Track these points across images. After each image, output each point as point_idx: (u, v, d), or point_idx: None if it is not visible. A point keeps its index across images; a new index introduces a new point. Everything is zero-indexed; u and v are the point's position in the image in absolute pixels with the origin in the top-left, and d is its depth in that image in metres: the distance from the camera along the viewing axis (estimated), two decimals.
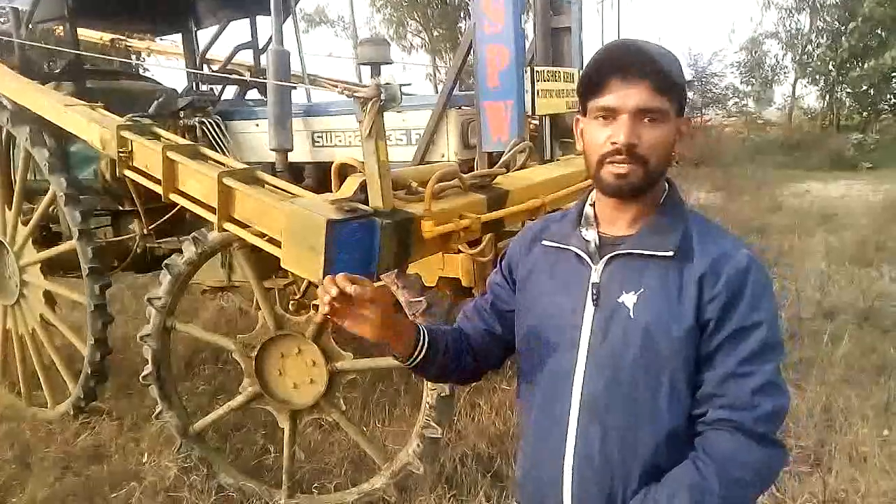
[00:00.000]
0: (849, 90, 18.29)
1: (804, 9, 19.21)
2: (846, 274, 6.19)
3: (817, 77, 19.46)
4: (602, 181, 1.23)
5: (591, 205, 1.34)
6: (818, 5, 18.79)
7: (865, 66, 16.66)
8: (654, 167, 1.20)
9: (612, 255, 1.25)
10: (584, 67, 1.26)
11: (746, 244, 1.28)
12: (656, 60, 1.17)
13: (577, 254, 1.29)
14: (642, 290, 1.21)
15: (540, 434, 1.34)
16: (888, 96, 17.82)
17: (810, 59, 19.11)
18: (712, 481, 1.15)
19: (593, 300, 1.25)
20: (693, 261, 1.21)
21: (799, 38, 19.55)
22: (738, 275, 1.19)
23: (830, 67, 18.53)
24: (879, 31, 17.24)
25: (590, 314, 1.25)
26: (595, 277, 1.26)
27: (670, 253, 1.22)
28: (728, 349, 1.18)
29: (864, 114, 17.96)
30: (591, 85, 1.22)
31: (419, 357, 1.36)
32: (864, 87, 17.17)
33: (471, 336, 1.46)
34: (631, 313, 1.21)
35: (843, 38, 17.56)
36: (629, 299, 1.22)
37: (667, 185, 1.30)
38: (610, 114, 1.19)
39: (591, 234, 1.30)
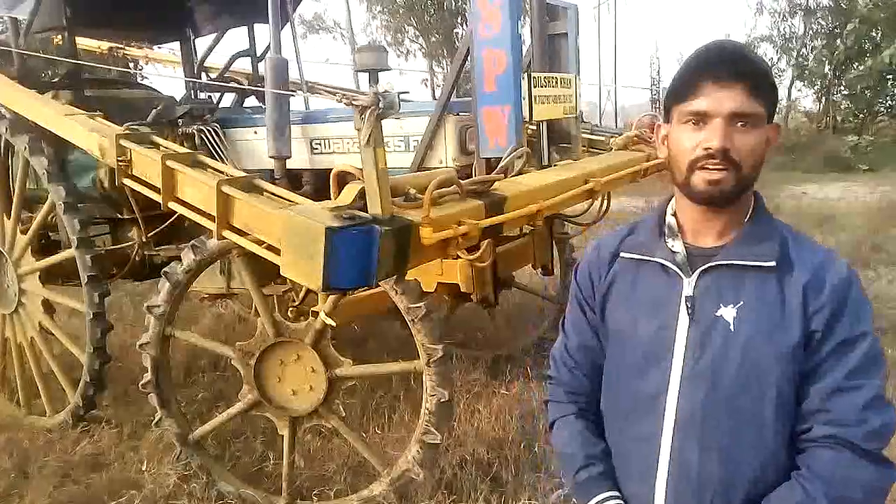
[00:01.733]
0: (845, 92, 18.36)
1: (797, 12, 19.28)
2: None
3: (813, 79, 19.53)
4: (693, 188, 1.18)
5: (672, 214, 1.29)
6: (811, 7, 18.87)
7: (861, 67, 16.71)
8: (747, 174, 1.16)
9: (706, 266, 1.20)
10: (676, 71, 1.22)
11: (839, 254, 1.25)
12: (751, 63, 1.15)
13: (663, 266, 1.24)
14: (741, 302, 1.17)
15: (626, 452, 1.29)
16: (884, 98, 17.88)
17: (805, 62, 19.18)
18: (820, 500, 1.10)
19: (688, 314, 1.20)
20: (793, 271, 1.17)
21: (794, 41, 19.63)
22: (841, 285, 1.16)
23: (826, 70, 18.60)
24: (875, 33, 17.32)
25: (683, 328, 1.20)
26: (688, 290, 1.20)
27: (772, 263, 1.17)
28: (833, 362, 1.14)
29: (861, 116, 18.02)
30: (683, 88, 1.17)
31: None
32: (861, 89, 17.22)
33: (590, 388, 1.39)
34: (731, 327, 1.16)
35: (839, 40, 17.63)
36: (728, 312, 1.17)
37: (752, 196, 1.26)
38: (702, 118, 1.15)
39: (678, 245, 1.25)
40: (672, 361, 1.20)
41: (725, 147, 1.13)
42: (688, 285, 1.21)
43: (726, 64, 1.14)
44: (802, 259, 1.18)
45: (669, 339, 1.21)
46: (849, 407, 1.12)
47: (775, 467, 1.16)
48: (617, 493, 1.29)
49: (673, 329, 1.21)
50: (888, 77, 17.07)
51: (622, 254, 1.32)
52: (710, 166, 1.15)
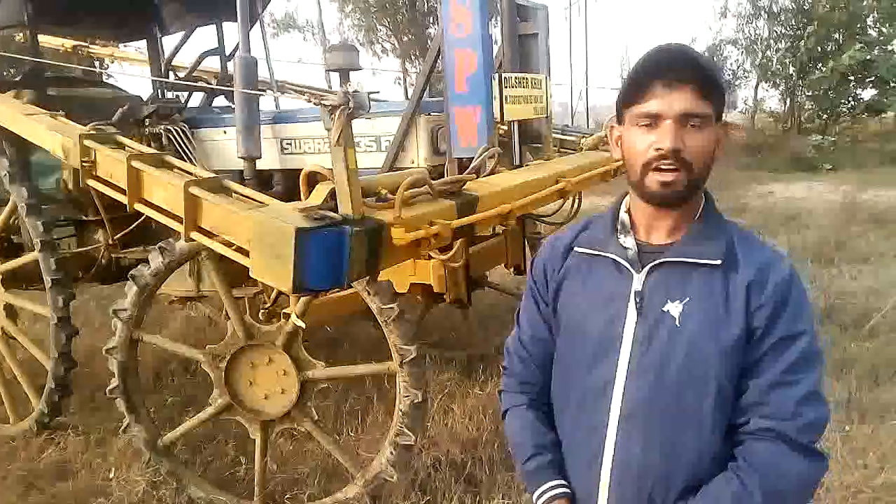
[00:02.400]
0: (809, 93, 18.75)
1: (761, 15, 19.65)
2: (808, 273, 6.35)
3: (777, 81, 19.92)
4: (646, 189, 1.21)
5: (626, 211, 1.31)
6: (774, 11, 19.24)
7: (823, 68, 17.09)
8: (698, 173, 1.19)
9: (655, 262, 1.23)
10: (627, 74, 1.24)
11: (784, 253, 1.28)
12: (700, 64, 1.17)
13: (615, 261, 1.27)
14: (688, 298, 1.20)
15: (574, 442, 1.32)
16: (847, 99, 18.31)
17: (770, 64, 19.55)
18: (755, 492, 1.14)
19: (636, 309, 1.23)
20: (739, 269, 1.20)
21: (759, 43, 19.99)
22: (783, 284, 1.19)
23: (791, 71, 18.98)
24: (836, 35, 17.73)
25: (632, 323, 1.23)
26: (638, 286, 1.23)
27: (718, 261, 1.20)
28: (772, 358, 1.17)
29: (824, 117, 18.43)
30: (634, 91, 1.19)
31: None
32: (824, 90, 17.61)
33: (542, 378, 1.42)
34: (677, 322, 1.20)
35: (802, 42, 18.02)
36: (675, 308, 1.20)
37: (702, 195, 1.29)
38: (653, 120, 1.17)
39: (630, 242, 1.28)
40: (620, 355, 1.23)
41: (677, 147, 1.16)
42: (637, 281, 1.24)
43: (675, 66, 1.16)
44: (748, 258, 1.22)
45: (618, 333, 1.24)
46: (785, 401, 1.16)
47: (713, 458, 1.20)
48: (563, 482, 1.33)
49: (622, 323, 1.24)
50: (850, 78, 17.48)
51: (576, 248, 1.35)
52: (664, 167, 1.17)
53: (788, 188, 12.22)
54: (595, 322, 1.27)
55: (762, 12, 19.44)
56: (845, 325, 4.93)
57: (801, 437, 1.16)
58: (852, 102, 18.32)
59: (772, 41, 19.56)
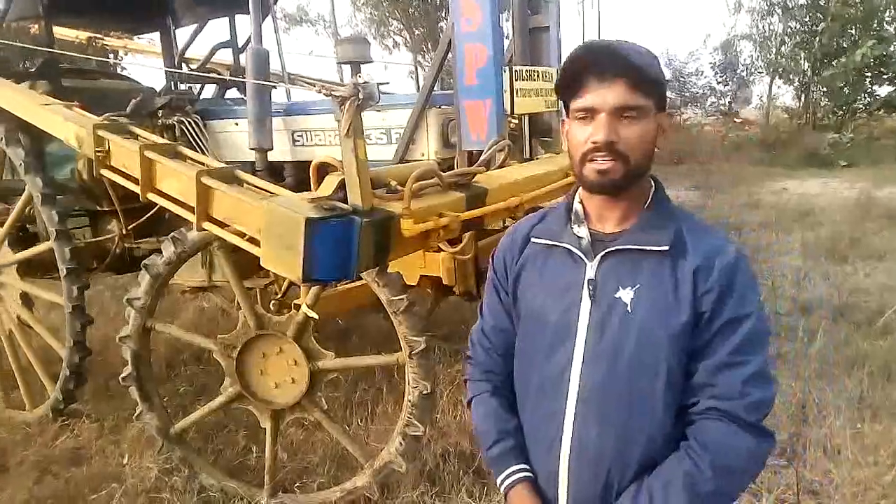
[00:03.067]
0: (824, 89, 18.54)
1: (775, 12, 19.44)
2: (821, 270, 6.30)
3: (792, 77, 19.72)
4: (585, 179, 1.26)
5: (579, 202, 1.35)
6: (788, 6, 19.02)
7: (839, 64, 16.89)
8: (636, 163, 1.23)
9: (606, 251, 1.27)
10: (560, 69, 1.29)
11: (731, 239, 1.32)
12: (631, 58, 1.20)
13: (569, 250, 1.31)
14: (638, 285, 1.24)
15: (535, 427, 1.36)
16: (863, 95, 18.10)
17: (783, 59, 19.35)
18: (705, 469, 1.19)
19: (590, 296, 1.26)
20: (687, 255, 1.25)
21: (773, 39, 19.79)
22: (729, 268, 1.23)
23: (805, 67, 18.79)
24: (851, 30, 17.51)
25: (586, 310, 1.27)
26: (590, 274, 1.27)
27: (665, 248, 1.24)
28: (720, 340, 1.22)
29: (840, 113, 18.22)
30: (569, 86, 1.24)
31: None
32: (839, 86, 17.40)
33: (503, 367, 1.45)
34: (628, 308, 1.24)
35: (816, 38, 17.82)
36: (626, 295, 1.24)
37: (653, 183, 1.33)
38: (589, 113, 1.22)
39: (582, 231, 1.32)
40: (576, 342, 1.27)
41: (610, 140, 1.20)
42: (590, 269, 1.28)
43: (607, 61, 1.20)
44: (695, 244, 1.25)
45: (573, 321, 1.28)
46: (732, 382, 1.20)
47: (666, 439, 1.25)
48: (526, 466, 1.37)
49: (577, 311, 1.28)
50: (866, 74, 17.27)
51: (533, 239, 1.39)
52: (598, 158, 1.22)
53: (802, 184, 12.11)
54: (552, 310, 1.31)
55: (776, 8, 19.22)
56: (858, 322, 4.89)
57: (748, 415, 1.20)
58: (868, 99, 18.10)
59: (786, 37, 19.35)
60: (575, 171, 1.29)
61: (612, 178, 1.22)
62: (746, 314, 1.22)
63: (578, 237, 1.31)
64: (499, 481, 1.39)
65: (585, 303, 1.27)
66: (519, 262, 1.40)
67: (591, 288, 1.26)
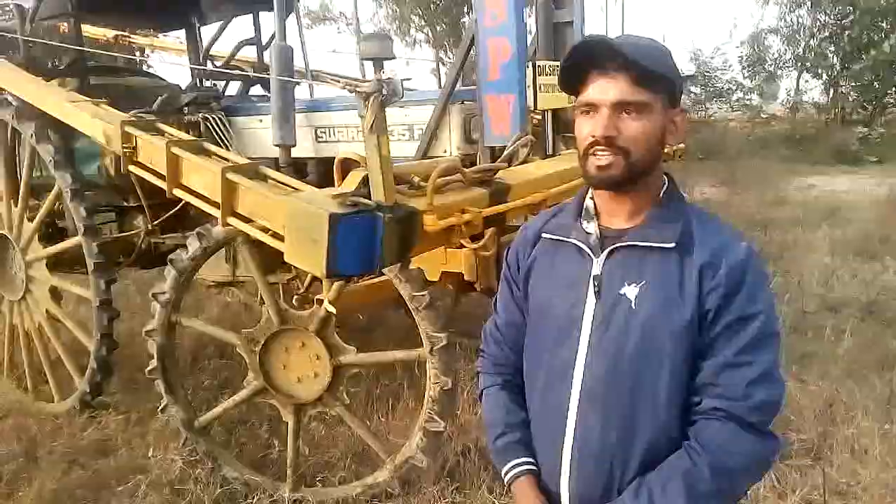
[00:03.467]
0: (853, 83, 18.18)
1: (804, 3, 19.09)
2: (850, 268, 6.19)
3: (820, 71, 19.36)
4: (587, 173, 1.26)
5: (591, 198, 1.35)
6: None
7: (868, 58, 16.54)
8: (637, 159, 1.21)
9: (613, 247, 1.27)
10: (560, 65, 1.29)
11: (744, 237, 1.29)
12: (632, 53, 1.18)
13: (578, 246, 1.31)
14: (644, 281, 1.23)
15: (540, 421, 1.37)
16: (893, 90, 17.71)
17: (812, 53, 19.00)
18: (704, 469, 1.18)
19: (595, 292, 1.26)
20: (693, 252, 1.23)
21: (801, 32, 19.43)
22: (736, 266, 1.20)
23: (833, 61, 18.43)
24: (881, 23, 17.14)
25: (591, 306, 1.27)
26: (597, 270, 1.27)
27: (671, 245, 1.23)
28: (726, 339, 1.20)
29: (869, 108, 17.85)
30: (572, 81, 1.25)
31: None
32: (868, 80, 17.04)
33: (514, 361, 1.46)
34: (633, 304, 1.23)
35: (846, 31, 17.47)
36: (631, 291, 1.24)
37: (665, 179, 1.32)
38: (591, 108, 1.22)
39: (591, 227, 1.32)
40: (580, 337, 1.27)
41: (609, 135, 1.20)
42: (597, 265, 1.28)
43: (609, 55, 1.19)
44: (703, 241, 1.24)
45: (578, 316, 1.28)
46: (736, 382, 1.19)
47: (668, 437, 1.24)
48: (530, 459, 1.38)
49: (582, 306, 1.28)
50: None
51: (544, 234, 1.40)
52: (598, 153, 1.21)
53: (831, 181, 11.91)
54: (559, 305, 1.31)
55: (805, 0, 18.88)
56: (888, 321, 4.79)
57: (750, 416, 1.18)
58: None
59: (815, 30, 18.99)
60: (580, 165, 1.29)
61: (611, 173, 1.22)
62: (754, 313, 1.19)
63: (587, 233, 1.31)
64: (503, 472, 1.40)
65: (591, 298, 1.27)
66: (531, 258, 1.41)
67: (596, 284, 1.26)
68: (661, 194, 1.30)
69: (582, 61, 1.23)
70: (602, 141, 1.20)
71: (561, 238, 1.35)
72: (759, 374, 1.18)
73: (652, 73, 1.19)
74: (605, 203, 1.32)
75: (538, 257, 1.39)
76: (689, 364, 1.22)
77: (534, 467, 1.37)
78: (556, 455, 1.30)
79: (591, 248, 1.29)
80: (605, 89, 1.19)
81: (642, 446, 1.24)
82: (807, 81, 20.32)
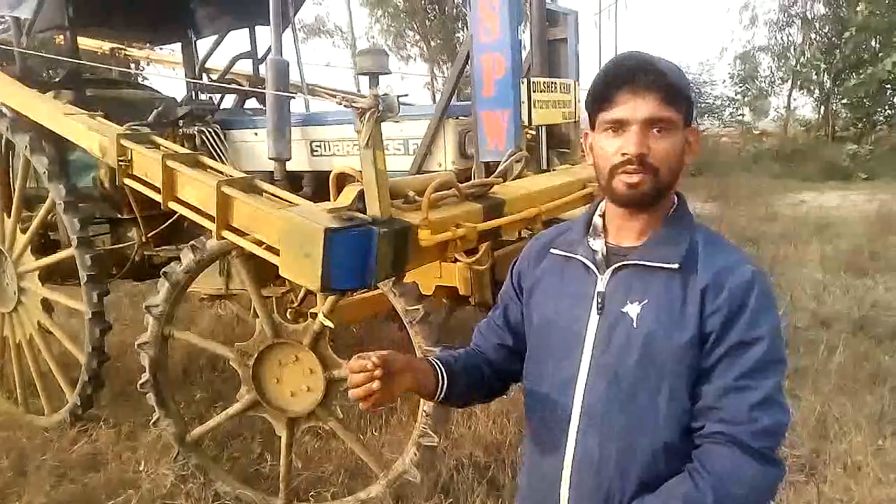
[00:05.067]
0: (844, 101, 18.39)
1: (793, 23, 19.37)
2: (841, 283, 6.23)
3: (811, 88, 19.60)
4: (614, 191, 1.24)
5: (599, 215, 1.36)
6: (808, 17, 18.93)
7: (861, 75, 16.75)
8: (665, 177, 1.22)
9: (618, 265, 1.27)
10: (592, 82, 1.28)
11: (751, 258, 1.29)
12: (664, 71, 1.19)
13: (584, 263, 1.31)
14: (646, 300, 1.23)
15: (540, 439, 1.37)
16: (883, 107, 17.92)
17: (803, 71, 19.23)
18: (707, 495, 1.15)
19: (598, 309, 1.27)
20: (696, 274, 1.22)
21: (792, 50, 19.69)
22: (740, 288, 1.19)
23: (825, 78, 18.66)
24: (874, 42, 17.37)
25: (594, 323, 1.27)
26: (601, 287, 1.28)
27: (675, 265, 1.23)
28: (727, 363, 1.18)
29: (860, 125, 18.06)
30: (601, 98, 1.24)
31: (443, 392, 1.41)
32: (859, 98, 17.24)
33: (487, 353, 1.50)
34: (634, 323, 1.23)
35: (837, 49, 17.69)
36: (633, 309, 1.23)
37: (675, 198, 1.32)
38: (620, 126, 1.21)
39: (598, 244, 1.32)
40: (582, 354, 1.27)
41: (642, 153, 1.19)
42: (601, 282, 1.28)
43: (640, 74, 1.19)
44: (707, 262, 1.23)
45: (581, 332, 1.28)
46: (739, 406, 1.17)
47: (667, 458, 1.22)
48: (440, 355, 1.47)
49: (585, 323, 1.28)
50: (887, 87, 17.10)
51: (552, 250, 1.40)
52: (629, 171, 1.21)
53: (821, 197, 12.00)
54: (563, 321, 1.32)
55: (795, 19, 19.14)
56: (879, 337, 4.82)
57: (754, 441, 1.16)
58: (889, 111, 17.92)
59: (805, 48, 19.24)
60: (601, 184, 1.28)
61: (641, 190, 1.21)
62: (757, 338, 1.18)
63: (594, 250, 1.32)
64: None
65: (594, 315, 1.27)
66: (538, 272, 1.41)
67: (599, 301, 1.27)
68: (669, 213, 1.30)
69: (613, 77, 1.22)
70: (634, 159, 1.19)
71: (568, 254, 1.36)
72: (761, 398, 1.17)
73: (679, 92, 1.21)
74: (615, 221, 1.32)
75: (546, 272, 1.40)
76: (689, 385, 1.21)
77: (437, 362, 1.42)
78: (556, 470, 1.30)
79: (596, 265, 1.30)
80: (636, 107, 1.19)
81: (641, 465, 1.23)
82: (796, 99, 20.58)
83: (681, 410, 1.22)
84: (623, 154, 1.20)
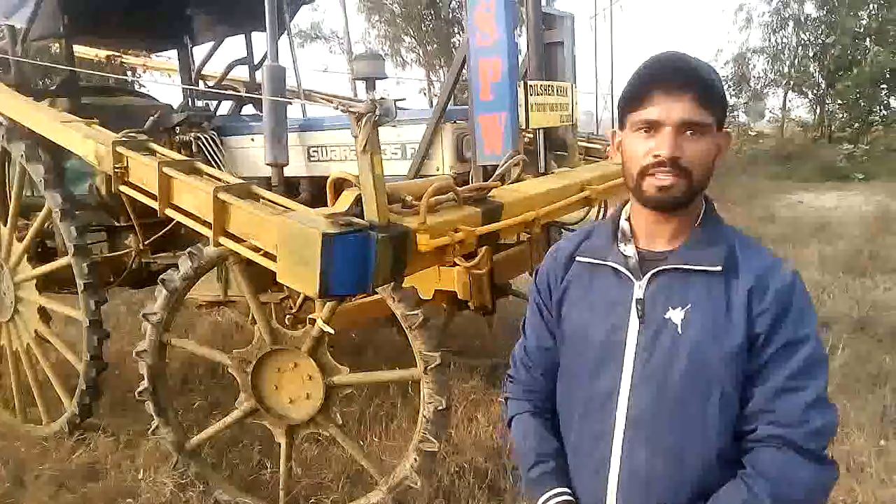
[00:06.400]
0: (840, 102, 18.46)
1: (787, 25, 19.45)
2: (840, 284, 6.22)
3: (805, 89, 19.66)
4: (644, 193, 1.21)
5: (626, 219, 1.32)
6: (801, 19, 19.02)
7: (850, 76, 16.81)
8: (697, 180, 1.19)
9: (656, 270, 1.24)
10: (628, 80, 1.25)
11: (787, 261, 1.27)
12: (699, 73, 1.17)
13: (616, 269, 1.28)
14: (689, 305, 1.20)
15: (580, 450, 1.32)
16: (878, 108, 17.98)
17: (796, 73, 19.32)
18: (764, 499, 1.13)
19: (638, 316, 1.23)
20: (739, 275, 1.20)
21: (786, 52, 19.76)
22: (785, 289, 1.18)
23: (819, 79, 18.73)
24: (865, 43, 17.44)
25: (634, 331, 1.24)
26: (639, 293, 1.24)
27: (718, 268, 1.20)
28: (777, 364, 1.17)
29: (856, 125, 18.11)
30: (634, 97, 1.21)
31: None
32: (853, 98, 17.30)
33: (545, 392, 1.43)
34: (679, 329, 1.20)
35: (829, 50, 17.78)
36: (676, 315, 1.20)
37: (703, 201, 1.29)
38: (652, 126, 1.18)
39: (630, 250, 1.29)
40: (623, 363, 1.24)
41: (675, 155, 1.16)
42: (638, 289, 1.25)
43: (676, 74, 1.17)
44: (748, 264, 1.21)
45: (621, 342, 1.24)
46: (792, 407, 1.15)
47: (720, 466, 1.19)
48: (566, 490, 1.33)
49: (624, 331, 1.24)
50: (882, 86, 17.16)
51: (578, 258, 1.36)
52: (660, 173, 1.18)
53: (818, 198, 12.01)
54: (597, 331, 1.28)
55: (789, 21, 19.22)
56: (879, 336, 4.82)
57: (809, 443, 1.15)
58: (884, 111, 17.97)
59: (800, 49, 19.32)
60: (629, 185, 1.25)
61: (673, 194, 1.18)
62: (804, 337, 1.17)
63: (625, 256, 1.28)
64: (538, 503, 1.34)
65: (633, 323, 1.23)
66: (564, 282, 1.37)
67: (639, 308, 1.23)
68: (702, 216, 1.27)
69: (648, 78, 1.19)
70: (667, 162, 1.16)
71: (597, 261, 1.32)
72: (813, 398, 1.15)
73: (713, 95, 1.18)
74: (645, 224, 1.28)
75: (572, 281, 1.35)
76: (738, 390, 1.19)
77: (570, 498, 1.32)
78: (601, 485, 1.25)
79: (630, 271, 1.26)
80: (670, 108, 1.16)
81: (693, 475, 1.19)
82: (791, 100, 20.65)
83: (732, 417, 1.20)
84: (655, 156, 1.18)
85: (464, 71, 3.19)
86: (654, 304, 1.22)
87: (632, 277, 1.25)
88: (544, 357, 1.43)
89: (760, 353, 1.17)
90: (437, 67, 21.02)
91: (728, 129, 1.28)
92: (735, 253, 1.23)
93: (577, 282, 1.35)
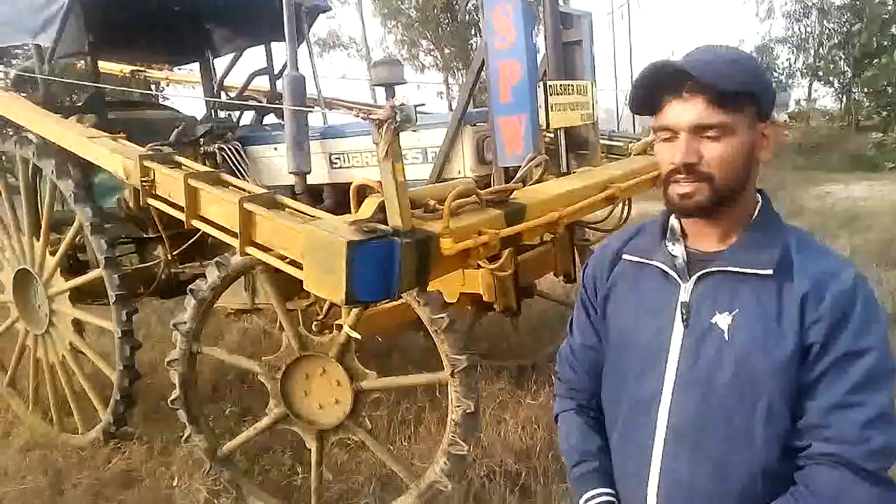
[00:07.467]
0: (867, 90, 18.08)
1: (810, 13, 19.12)
2: (873, 276, 6.09)
3: (831, 79, 19.30)
4: (669, 200, 1.18)
5: (676, 217, 1.26)
6: (825, 7, 18.69)
7: (878, 64, 16.46)
8: (722, 183, 1.12)
9: (703, 272, 1.18)
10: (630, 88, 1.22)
11: (850, 262, 1.19)
12: (704, 73, 1.08)
13: (662, 270, 1.23)
14: (737, 310, 1.14)
15: (622, 454, 1.30)
16: None
17: (822, 62, 18.98)
18: None
19: (683, 320, 1.18)
20: (793, 280, 1.12)
21: (810, 41, 19.44)
22: (844, 295, 1.09)
23: (845, 68, 18.38)
24: (891, 29, 17.08)
25: (678, 335, 1.18)
26: (684, 296, 1.19)
27: (769, 271, 1.13)
28: (834, 377, 1.09)
29: (884, 113, 17.72)
30: (647, 105, 1.17)
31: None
32: (882, 86, 16.93)
33: (588, 391, 1.42)
34: (726, 335, 1.14)
35: (855, 38, 17.45)
36: (723, 320, 1.14)
37: (759, 197, 1.22)
38: (671, 132, 1.14)
39: (678, 249, 1.23)
40: (666, 367, 1.19)
41: (689, 162, 1.12)
42: (684, 291, 1.19)
43: (684, 76, 1.10)
44: (804, 267, 1.13)
45: (665, 345, 1.19)
46: (849, 424, 1.07)
47: (765, 481, 1.13)
48: (610, 490, 1.31)
49: (668, 335, 1.19)
50: None
51: (624, 256, 1.32)
52: (680, 181, 1.14)
53: (847, 188, 11.78)
54: (643, 332, 1.23)
55: (813, 9, 18.90)
56: None
57: (867, 463, 1.06)
58: None
59: (824, 38, 18.98)
60: (663, 192, 1.21)
61: (696, 200, 1.13)
62: (866, 348, 1.07)
63: (673, 255, 1.22)
64: (581, 502, 1.32)
65: (678, 327, 1.18)
66: (609, 280, 1.33)
67: (684, 311, 1.18)
68: (755, 214, 1.20)
69: (653, 85, 1.15)
70: (682, 169, 1.12)
71: (644, 260, 1.27)
72: (874, 415, 1.06)
73: (731, 91, 1.09)
74: (692, 224, 1.23)
75: (618, 280, 1.31)
76: (788, 402, 1.12)
77: (612, 499, 1.29)
78: (641, 490, 1.22)
79: (677, 272, 1.20)
80: (679, 113, 1.11)
81: (737, 488, 1.14)
82: (816, 90, 20.29)
83: (780, 430, 1.12)
84: (671, 164, 1.14)
85: (482, 74, 3.19)
86: (700, 307, 1.17)
87: (678, 279, 1.20)
88: (589, 355, 1.40)
89: (815, 364, 1.10)
90: (456, 71, 21.03)
91: (773, 119, 1.19)
92: (790, 255, 1.15)
93: (624, 281, 1.31)
